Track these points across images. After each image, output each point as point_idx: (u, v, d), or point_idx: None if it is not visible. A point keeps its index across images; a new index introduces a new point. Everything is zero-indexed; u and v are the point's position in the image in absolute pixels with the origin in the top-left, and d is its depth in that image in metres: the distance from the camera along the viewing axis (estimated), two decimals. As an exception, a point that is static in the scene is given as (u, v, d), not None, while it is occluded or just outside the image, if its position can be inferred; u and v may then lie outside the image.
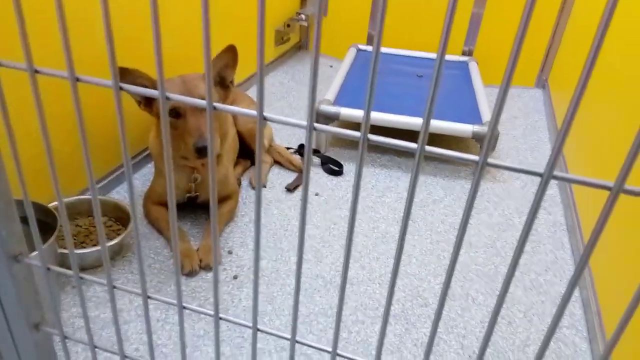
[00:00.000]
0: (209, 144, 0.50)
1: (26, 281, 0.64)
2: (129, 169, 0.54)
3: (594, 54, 0.38)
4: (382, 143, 0.48)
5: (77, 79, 0.50)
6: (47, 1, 1.39)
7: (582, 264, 0.46)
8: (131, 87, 0.50)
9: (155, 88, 0.50)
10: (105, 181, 1.82)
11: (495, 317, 0.51)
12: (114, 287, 0.62)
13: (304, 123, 0.48)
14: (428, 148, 0.46)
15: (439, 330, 1.41)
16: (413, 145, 0.47)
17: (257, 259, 0.55)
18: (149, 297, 0.62)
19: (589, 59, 0.38)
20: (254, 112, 0.49)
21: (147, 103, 1.52)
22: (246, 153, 2.04)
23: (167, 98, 0.50)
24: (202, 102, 0.49)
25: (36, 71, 0.51)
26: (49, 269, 0.62)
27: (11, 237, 0.60)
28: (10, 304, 0.64)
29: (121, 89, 0.50)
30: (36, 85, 0.52)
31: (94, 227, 1.61)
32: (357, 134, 0.48)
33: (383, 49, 2.90)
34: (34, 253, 0.77)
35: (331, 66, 3.12)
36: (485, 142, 0.44)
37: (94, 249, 1.48)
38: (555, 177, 0.45)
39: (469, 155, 0.46)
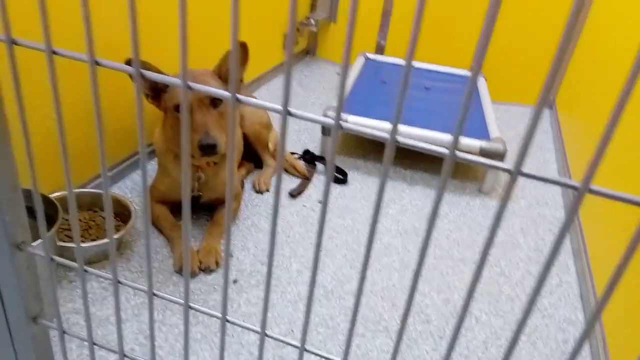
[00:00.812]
0: (230, 137, 0.48)
1: (28, 271, 0.61)
2: (144, 164, 0.52)
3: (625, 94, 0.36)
4: (410, 146, 0.46)
5: (97, 63, 0.48)
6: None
7: (594, 318, 0.44)
8: (153, 74, 0.48)
9: (164, 82, 0.48)
10: (108, 175, 1.79)
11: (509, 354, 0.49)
12: (119, 282, 0.60)
13: (331, 121, 0.46)
14: (458, 154, 0.45)
15: (440, 348, 1.38)
16: (444, 150, 0.45)
17: (271, 252, 0.53)
18: (154, 295, 0.59)
19: (620, 100, 0.36)
20: (279, 107, 0.47)
21: (155, 96, 1.50)
22: (250, 156, 2.02)
23: (189, 87, 0.48)
24: (226, 93, 0.47)
25: (54, 52, 0.49)
26: (52, 259, 0.60)
27: (15, 224, 0.58)
28: (10, 293, 0.61)
29: (142, 76, 0.49)
30: (53, 67, 0.50)
31: (93, 221, 1.59)
32: (385, 135, 0.46)
33: (391, 59, 2.89)
34: (35, 243, 0.75)
35: (338, 73, 3.11)
36: (522, 149, 0.42)
37: (92, 243, 1.45)
38: (592, 191, 0.43)
39: (501, 163, 0.44)
